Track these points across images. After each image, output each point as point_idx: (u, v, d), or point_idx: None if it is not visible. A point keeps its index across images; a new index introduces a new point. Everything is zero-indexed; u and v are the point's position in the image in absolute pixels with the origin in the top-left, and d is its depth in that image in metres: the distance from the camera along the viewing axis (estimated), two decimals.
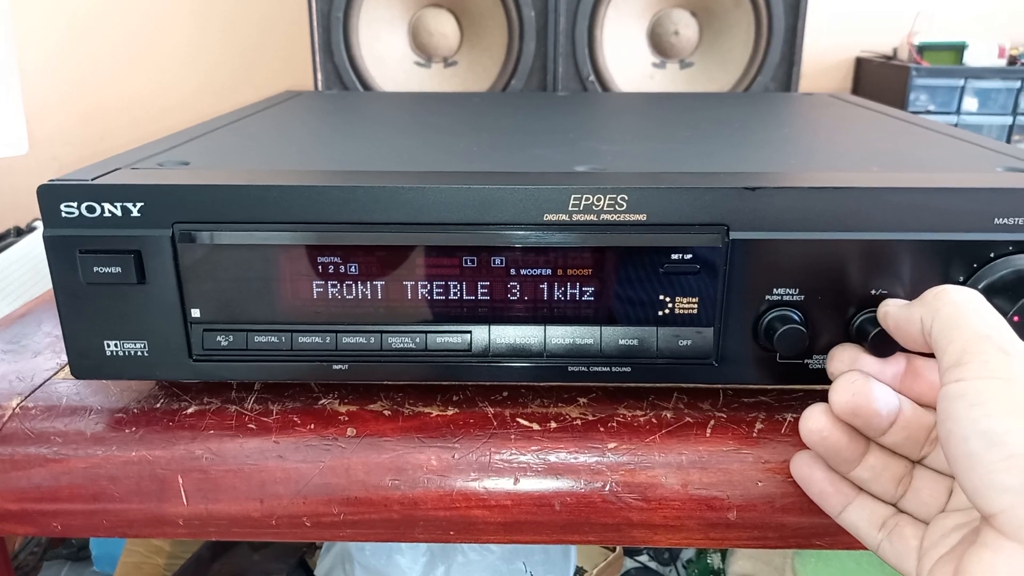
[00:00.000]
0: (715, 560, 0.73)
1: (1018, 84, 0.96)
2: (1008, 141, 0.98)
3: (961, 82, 0.96)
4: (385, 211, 0.36)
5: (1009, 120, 0.98)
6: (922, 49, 1.00)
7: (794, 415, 0.39)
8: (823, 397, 0.40)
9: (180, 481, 0.37)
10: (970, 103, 0.97)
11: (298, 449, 0.38)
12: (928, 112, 0.97)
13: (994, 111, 0.97)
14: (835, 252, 0.36)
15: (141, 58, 1.12)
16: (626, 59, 0.89)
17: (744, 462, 0.37)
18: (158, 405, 0.40)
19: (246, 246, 0.36)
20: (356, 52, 0.86)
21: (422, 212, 0.36)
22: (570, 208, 0.36)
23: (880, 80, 1.04)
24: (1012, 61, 1.00)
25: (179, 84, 1.13)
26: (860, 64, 1.11)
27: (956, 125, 0.98)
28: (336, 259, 0.37)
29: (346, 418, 0.39)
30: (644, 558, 0.79)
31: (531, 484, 0.37)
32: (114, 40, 1.11)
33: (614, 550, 0.76)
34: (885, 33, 1.09)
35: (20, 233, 0.90)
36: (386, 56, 0.89)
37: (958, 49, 0.99)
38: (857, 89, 1.11)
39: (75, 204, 0.35)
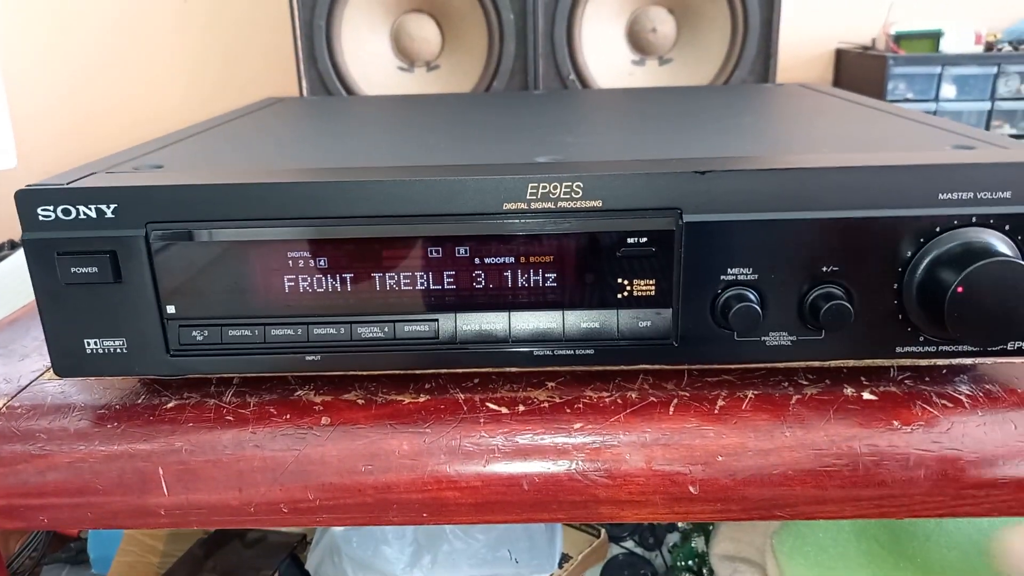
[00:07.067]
0: (699, 543, 0.74)
1: (995, 70, 0.97)
2: (987, 126, 0.99)
3: (938, 69, 0.97)
4: (351, 205, 0.37)
5: (987, 105, 0.99)
6: (899, 38, 1.01)
7: (755, 392, 0.40)
8: (784, 374, 0.42)
9: (161, 472, 0.39)
10: (948, 90, 0.98)
11: (274, 438, 0.39)
12: (907, 100, 0.98)
13: (972, 97, 0.98)
14: (786, 231, 0.37)
15: (129, 70, 1.14)
16: (605, 58, 0.90)
17: (705, 438, 0.38)
18: (139, 401, 0.42)
19: (217, 243, 0.38)
20: (340, 59, 0.88)
21: (387, 205, 0.37)
22: (528, 197, 0.37)
23: (859, 70, 1.05)
24: (988, 47, 1.01)
25: (169, 95, 1.15)
26: (840, 55, 1.12)
27: (935, 112, 0.99)
28: (304, 253, 0.38)
29: (321, 408, 0.41)
30: (630, 544, 0.80)
31: (500, 466, 0.38)
32: (101, 52, 1.13)
33: (599, 536, 0.77)
34: (864, 23, 1.10)
35: (15, 246, 0.92)
36: (370, 62, 0.90)
37: (934, 37, 1.01)
38: (838, 80, 1.12)
39: (51, 208, 0.37)
